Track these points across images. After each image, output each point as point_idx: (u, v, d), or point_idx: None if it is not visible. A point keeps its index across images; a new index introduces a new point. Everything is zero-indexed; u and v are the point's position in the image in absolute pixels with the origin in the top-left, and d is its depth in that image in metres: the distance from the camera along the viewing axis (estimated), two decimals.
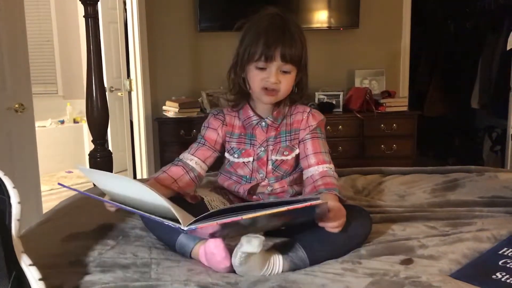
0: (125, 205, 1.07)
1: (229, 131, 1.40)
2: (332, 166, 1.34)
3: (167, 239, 1.21)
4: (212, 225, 0.94)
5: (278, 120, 1.38)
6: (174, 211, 0.95)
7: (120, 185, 1.09)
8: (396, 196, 1.68)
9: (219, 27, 3.30)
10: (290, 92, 1.34)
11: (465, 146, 4.54)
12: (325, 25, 3.47)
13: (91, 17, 1.91)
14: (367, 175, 1.93)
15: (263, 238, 0.99)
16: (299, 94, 1.38)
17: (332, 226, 1.08)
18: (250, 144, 1.38)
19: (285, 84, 1.30)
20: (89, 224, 1.34)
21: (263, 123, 1.37)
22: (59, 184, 1.26)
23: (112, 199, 1.15)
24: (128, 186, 1.06)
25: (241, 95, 1.37)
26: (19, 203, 0.93)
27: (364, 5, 3.43)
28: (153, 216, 0.99)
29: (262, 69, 1.28)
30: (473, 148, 4.39)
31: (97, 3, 1.92)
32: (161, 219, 0.97)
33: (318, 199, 0.98)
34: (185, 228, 0.94)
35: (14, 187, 0.93)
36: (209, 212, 0.97)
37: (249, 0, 3.27)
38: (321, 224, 1.08)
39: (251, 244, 0.97)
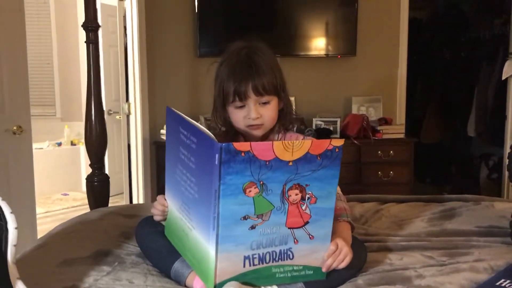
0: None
1: None
2: (338, 188, 1.34)
3: (162, 266, 1.20)
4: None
5: None
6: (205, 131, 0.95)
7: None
8: (393, 224, 1.67)
9: (218, 52, 3.32)
10: (276, 119, 1.33)
11: (462, 174, 4.56)
12: (322, 52, 3.51)
13: (92, 43, 1.93)
14: (364, 202, 1.93)
15: None
16: (287, 120, 1.37)
17: (327, 266, 1.08)
18: None
19: (267, 115, 1.28)
20: (85, 249, 1.33)
21: None
22: None
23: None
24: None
25: (231, 129, 1.37)
26: (16, 228, 0.92)
27: (361, 33, 3.49)
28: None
29: (241, 107, 1.27)
30: (469, 176, 4.41)
31: (98, 29, 1.95)
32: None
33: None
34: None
35: (11, 212, 0.93)
36: None
37: (247, 26, 3.37)
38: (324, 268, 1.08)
39: None
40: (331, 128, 3.31)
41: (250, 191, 0.93)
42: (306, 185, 0.99)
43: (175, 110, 1.10)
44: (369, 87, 3.62)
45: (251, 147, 0.91)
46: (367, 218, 1.75)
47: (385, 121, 3.39)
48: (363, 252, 1.24)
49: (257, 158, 0.92)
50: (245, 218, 0.95)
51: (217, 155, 0.89)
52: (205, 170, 0.94)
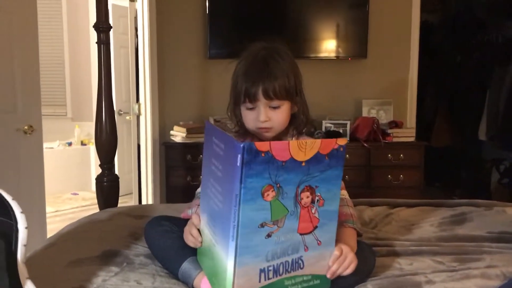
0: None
1: None
2: (345, 192, 1.33)
3: (170, 267, 1.20)
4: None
5: None
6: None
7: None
8: (403, 229, 1.66)
9: (228, 54, 3.34)
10: (287, 123, 1.32)
11: (472, 178, 4.51)
12: (333, 54, 3.50)
13: (104, 43, 1.94)
14: (374, 206, 1.92)
15: None
16: (302, 123, 1.35)
17: (332, 272, 1.05)
18: None
19: (277, 119, 1.27)
20: (94, 249, 1.34)
21: None
22: None
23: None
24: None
25: (245, 128, 1.37)
26: (26, 228, 0.93)
27: (372, 36, 3.47)
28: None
29: (251, 109, 1.27)
30: (480, 180, 4.36)
31: (110, 30, 1.95)
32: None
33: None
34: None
35: (21, 212, 0.93)
36: None
37: (258, 28, 3.37)
38: (329, 274, 1.06)
39: None
40: (341, 131, 3.30)
41: (268, 194, 0.91)
42: (316, 186, 0.97)
43: (212, 123, 1.09)
44: (379, 90, 3.60)
45: (270, 146, 0.90)
46: (376, 222, 1.74)
47: (395, 124, 3.37)
48: (372, 256, 1.22)
49: (275, 158, 0.90)
50: (262, 225, 0.92)
51: (239, 156, 0.87)
52: (229, 174, 0.92)
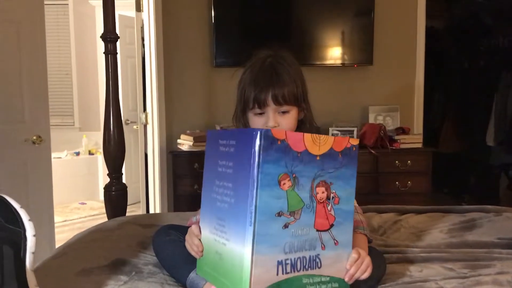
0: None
1: None
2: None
3: (178, 276, 1.20)
4: None
5: None
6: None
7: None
8: (413, 235, 1.65)
9: (234, 62, 3.35)
10: (295, 129, 1.32)
11: (480, 184, 4.48)
12: (339, 62, 3.50)
13: (111, 54, 1.96)
14: (383, 213, 1.91)
15: None
16: (308, 129, 1.35)
17: (350, 275, 1.04)
18: None
19: (285, 124, 1.28)
20: (103, 258, 1.34)
21: None
22: None
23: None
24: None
25: None
26: (34, 236, 0.93)
27: (378, 42, 3.47)
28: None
29: (260, 114, 1.27)
30: (489, 186, 4.33)
31: (117, 40, 1.97)
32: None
33: None
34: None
35: (29, 220, 0.94)
36: None
37: (263, 36, 3.38)
38: (347, 277, 1.04)
39: None
40: None
41: (284, 183, 0.91)
42: (331, 183, 0.98)
43: (214, 130, 1.10)
44: (386, 96, 3.59)
45: (286, 135, 0.91)
46: (385, 229, 1.73)
47: (402, 130, 3.36)
48: (382, 263, 1.22)
49: (291, 148, 0.91)
50: (279, 214, 0.92)
51: (257, 141, 0.88)
52: (244, 164, 0.92)
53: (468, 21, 4.54)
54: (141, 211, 3.64)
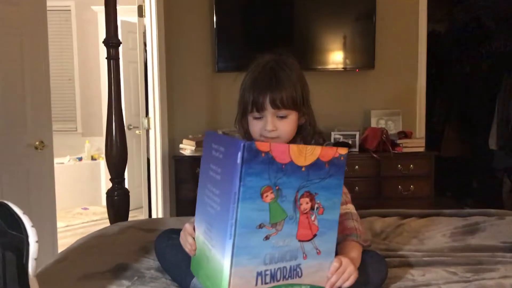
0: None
1: None
2: (351, 206, 1.31)
3: (181, 281, 1.20)
4: None
5: None
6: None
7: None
8: (415, 239, 1.64)
9: (236, 67, 3.35)
10: (294, 133, 1.32)
11: (483, 187, 4.47)
12: (341, 66, 3.51)
13: (113, 59, 1.96)
14: (385, 217, 1.90)
15: None
16: (309, 134, 1.36)
17: (331, 283, 1.03)
18: None
19: (284, 128, 1.27)
20: (105, 263, 1.34)
21: None
22: None
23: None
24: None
25: (251, 139, 1.37)
26: (36, 242, 0.93)
27: (379, 46, 3.47)
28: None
29: (259, 118, 1.27)
30: (491, 190, 4.32)
31: (119, 46, 1.98)
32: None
33: None
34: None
35: (32, 226, 0.94)
36: None
37: (265, 40, 3.39)
38: (328, 286, 1.03)
39: None
40: (350, 142, 3.29)
41: (266, 196, 0.91)
42: (315, 193, 0.97)
43: (212, 131, 1.09)
44: (388, 100, 3.59)
45: (270, 147, 0.90)
46: (388, 233, 1.73)
47: (404, 134, 3.36)
48: (384, 267, 1.21)
49: (275, 160, 0.91)
50: (260, 226, 0.92)
51: (239, 153, 0.88)
52: (228, 174, 0.92)
53: (470, 25, 4.55)
54: (143, 216, 3.64)
